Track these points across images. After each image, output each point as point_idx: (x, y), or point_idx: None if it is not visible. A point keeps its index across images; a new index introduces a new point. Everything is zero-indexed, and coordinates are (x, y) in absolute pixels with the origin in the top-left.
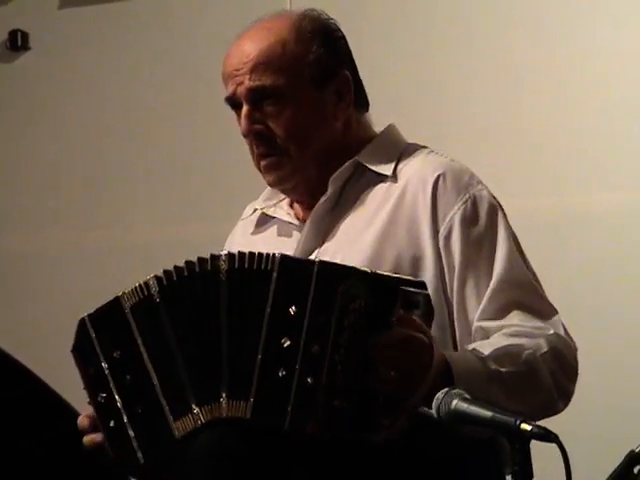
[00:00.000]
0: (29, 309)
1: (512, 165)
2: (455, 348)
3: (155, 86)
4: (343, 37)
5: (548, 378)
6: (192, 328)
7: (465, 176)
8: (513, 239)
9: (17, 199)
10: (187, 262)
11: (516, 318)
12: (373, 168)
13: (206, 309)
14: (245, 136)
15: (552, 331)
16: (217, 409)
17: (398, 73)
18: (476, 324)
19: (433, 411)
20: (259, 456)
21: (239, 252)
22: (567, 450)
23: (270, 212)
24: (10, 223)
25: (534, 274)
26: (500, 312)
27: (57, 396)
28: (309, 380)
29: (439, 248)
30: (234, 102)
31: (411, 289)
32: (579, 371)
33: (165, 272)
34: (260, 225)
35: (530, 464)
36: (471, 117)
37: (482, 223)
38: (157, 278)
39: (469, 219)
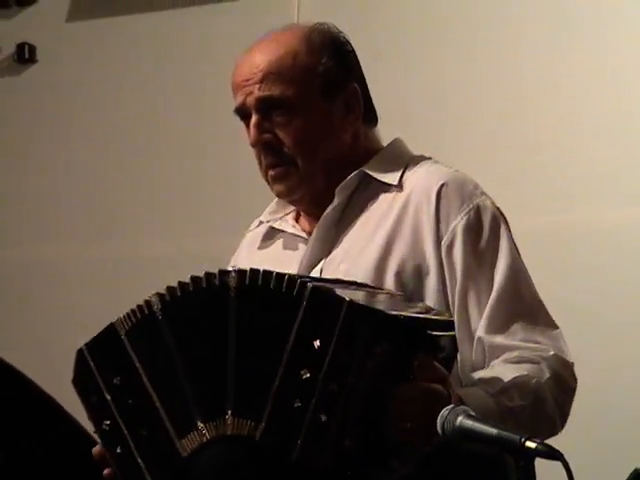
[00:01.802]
0: (34, 321)
1: (517, 181)
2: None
3: (162, 99)
4: (352, 51)
5: (553, 406)
6: (196, 343)
7: (469, 186)
8: (515, 250)
9: (22, 211)
10: (193, 277)
11: (519, 333)
12: (379, 178)
13: (212, 324)
14: (253, 146)
15: (552, 352)
16: (222, 426)
17: (402, 86)
18: (478, 335)
19: (438, 428)
20: (265, 473)
21: (251, 269)
22: (572, 468)
23: (276, 225)
24: (14, 235)
25: (533, 286)
26: (502, 325)
27: (52, 400)
28: (322, 417)
29: (442, 257)
30: (243, 112)
31: (437, 333)
32: (585, 388)
33: (168, 288)
34: (266, 239)
35: None
36: (475, 131)
37: (485, 233)
38: (159, 295)
39: (472, 229)
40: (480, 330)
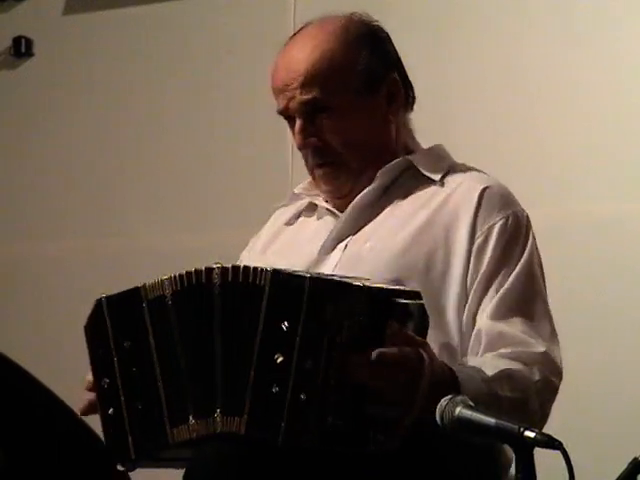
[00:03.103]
0: (32, 317)
1: (515, 174)
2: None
3: (160, 93)
4: (387, 37)
5: (537, 408)
6: (193, 340)
7: (510, 195)
8: (538, 262)
9: (19, 206)
10: (187, 272)
11: (518, 325)
12: (423, 171)
13: (203, 323)
14: (300, 149)
15: (543, 350)
16: (212, 424)
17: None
18: (477, 326)
19: (437, 418)
20: (257, 470)
21: (232, 266)
22: (571, 457)
23: (312, 199)
24: (11, 231)
25: (545, 295)
26: (504, 314)
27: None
28: (302, 396)
29: (471, 252)
30: (286, 115)
31: (405, 301)
32: (582, 379)
33: (177, 276)
34: (295, 217)
35: (534, 471)
36: (475, 125)
37: (517, 241)
38: (170, 280)
39: (507, 234)
40: (482, 319)
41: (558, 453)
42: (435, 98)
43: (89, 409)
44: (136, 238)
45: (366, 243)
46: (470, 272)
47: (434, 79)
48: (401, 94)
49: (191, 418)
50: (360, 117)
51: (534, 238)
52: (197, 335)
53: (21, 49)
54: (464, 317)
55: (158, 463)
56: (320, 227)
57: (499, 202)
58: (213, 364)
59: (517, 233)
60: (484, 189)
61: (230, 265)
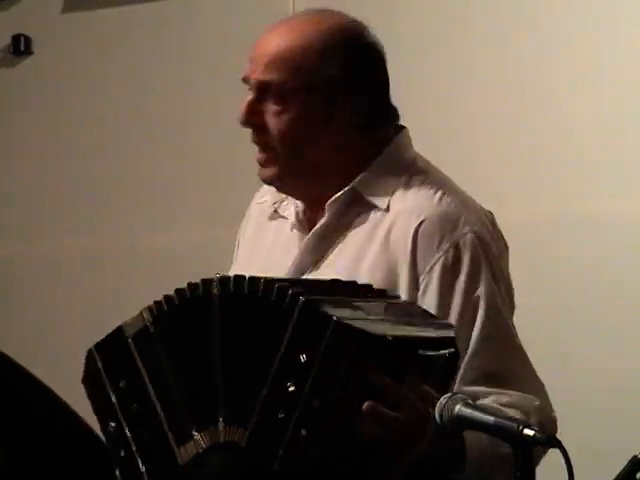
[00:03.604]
0: (28, 316)
1: (513, 172)
2: None
3: (159, 91)
4: (377, 57)
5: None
6: (186, 354)
7: (450, 220)
8: (496, 290)
9: (19, 205)
10: (177, 290)
11: (499, 396)
12: (368, 198)
13: (199, 333)
14: (241, 123)
15: (538, 402)
16: (215, 433)
17: (402, 81)
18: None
19: (436, 416)
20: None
21: (235, 276)
22: (570, 455)
23: (281, 210)
24: (12, 230)
25: (515, 334)
26: (481, 379)
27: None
28: (303, 432)
29: (417, 299)
30: (246, 84)
31: (430, 353)
32: (583, 376)
33: (156, 303)
34: (273, 216)
35: (533, 470)
36: (473, 124)
37: (462, 277)
38: (149, 309)
39: (448, 272)
40: (459, 383)
41: (557, 451)
42: (430, 95)
43: None
44: (134, 238)
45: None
46: None
47: (431, 76)
48: (360, 114)
49: (195, 433)
50: (306, 119)
51: (487, 261)
52: (192, 349)
53: (20, 47)
54: None
55: None
56: (292, 241)
57: (436, 236)
58: (212, 375)
59: (462, 268)
60: (419, 224)
61: (232, 275)
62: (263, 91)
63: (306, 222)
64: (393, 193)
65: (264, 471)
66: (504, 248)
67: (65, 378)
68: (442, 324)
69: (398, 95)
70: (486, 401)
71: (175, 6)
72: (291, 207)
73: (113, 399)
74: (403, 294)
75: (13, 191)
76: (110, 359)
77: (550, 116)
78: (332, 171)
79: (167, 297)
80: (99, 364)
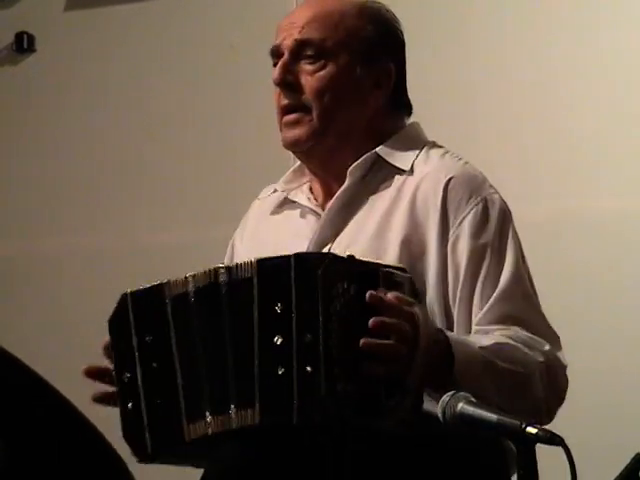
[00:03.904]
0: (27, 314)
1: (514, 169)
2: None
3: (161, 90)
4: (402, 39)
5: (540, 390)
6: (209, 338)
7: (478, 179)
8: (520, 249)
9: (20, 203)
10: (205, 271)
11: (513, 319)
12: (391, 161)
13: (215, 321)
14: (276, 84)
15: (548, 347)
16: (227, 420)
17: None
18: (474, 327)
19: (439, 413)
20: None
21: (236, 264)
22: (572, 453)
23: (291, 196)
24: (13, 228)
25: (534, 290)
26: (500, 321)
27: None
28: (308, 369)
29: (447, 251)
30: (277, 53)
31: (392, 270)
32: (583, 375)
33: (199, 274)
34: (280, 206)
35: (536, 467)
36: (472, 121)
37: (492, 229)
38: (194, 278)
39: (479, 224)
40: (477, 323)
41: (560, 449)
42: (437, 93)
43: (102, 398)
44: (135, 237)
45: (346, 250)
46: (450, 275)
47: (437, 76)
48: (389, 85)
49: (208, 414)
50: (342, 77)
51: (512, 221)
52: (212, 333)
53: (23, 45)
54: (454, 323)
55: (174, 459)
56: (302, 226)
57: (466, 191)
58: (225, 361)
59: (491, 223)
60: (448, 180)
61: (235, 263)
62: (299, 51)
63: (322, 200)
64: (417, 157)
65: (286, 434)
66: None
67: (65, 377)
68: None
69: None
70: (495, 334)
71: (177, 4)
72: (301, 194)
73: (136, 351)
74: (432, 247)
75: (14, 190)
76: (143, 312)
77: (547, 115)
78: (359, 138)
79: (214, 270)
80: (130, 313)
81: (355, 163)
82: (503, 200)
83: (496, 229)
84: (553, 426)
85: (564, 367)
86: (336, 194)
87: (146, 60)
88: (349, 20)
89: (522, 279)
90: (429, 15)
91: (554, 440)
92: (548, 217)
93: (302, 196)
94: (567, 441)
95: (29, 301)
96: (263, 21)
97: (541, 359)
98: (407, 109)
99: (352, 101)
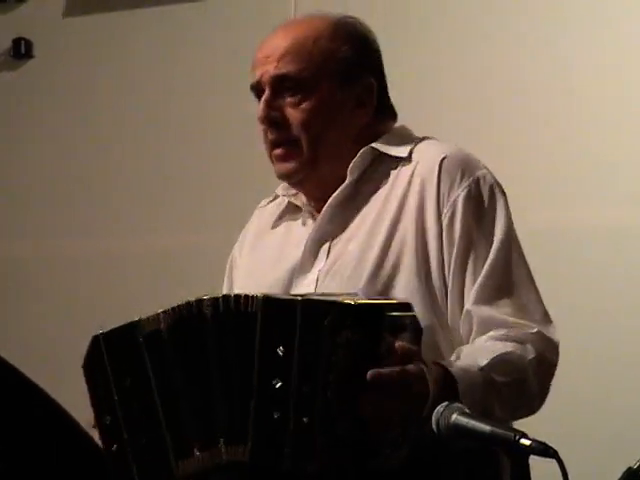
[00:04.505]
0: (26, 317)
1: (510, 178)
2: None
3: (158, 95)
4: (378, 50)
5: (535, 386)
6: (190, 373)
7: (470, 158)
8: (510, 223)
9: (17, 206)
10: (179, 305)
11: (506, 307)
12: (389, 152)
13: (198, 355)
14: (261, 122)
15: (536, 329)
16: (217, 454)
17: (401, 80)
18: (467, 307)
19: (433, 424)
20: None
21: (223, 295)
22: (566, 465)
23: (293, 199)
24: (9, 230)
25: (525, 262)
26: (491, 297)
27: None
28: (304, 420)
29: (442, 229)
30: (258, 89)
31: (396, 313)
32: (580, 386)
33: (171, 309)
34: (280, 219)
35: (529, 478)
36: (468, 128)
37: (485, 206)
38: (166, 313)
39: (473, 201)
40: (469, 302)
41: (553, 461)
42: (426, 100)
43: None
44: (133, 239)
45: (349, 245)
46: (445, 252)
47: (425, 77)
48: (372, 101)
49: (196, 450)
50: (325, 104)
51: (504, 197)
52: (194, 367)
53: (21, 50)
54: (448, 301)
55: None
56: (303, 234)
57: (459, 170)
58: (212, 395)
59: (483, 200)
60: (442, 160)
61: (220, 295)
62: (279, 85)
63: (320, 202)
64: (414, 146)
65: (276, 477)
66: None
67: (64, 378)
68: (399, 300)
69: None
70: (488, 345)
71: (176, 11)
72: (302, 197)
73: (114, 394)
74: (430, 225)
75: (11, 192)
76: (118, 353)
77: (545, 120)
78: (350, 155)
79: (177, 307)
80: (105, 355)
81: (352, 162)
82: (494, 178)
83: (488, 206)
84: (546, 438)
85: (554, 345)
86: (336, 191)
87: (144, 66)
88: (324, 44)
89: (510, 252)
90: (428, 15)
91: (547, 452)
92: (543, 225)
93: (303, 198)
94: (560, 453)
95: (29, 302)
96: (262, 26)
97: (532, 355)
98: (392, 113)
99: (339, 126)
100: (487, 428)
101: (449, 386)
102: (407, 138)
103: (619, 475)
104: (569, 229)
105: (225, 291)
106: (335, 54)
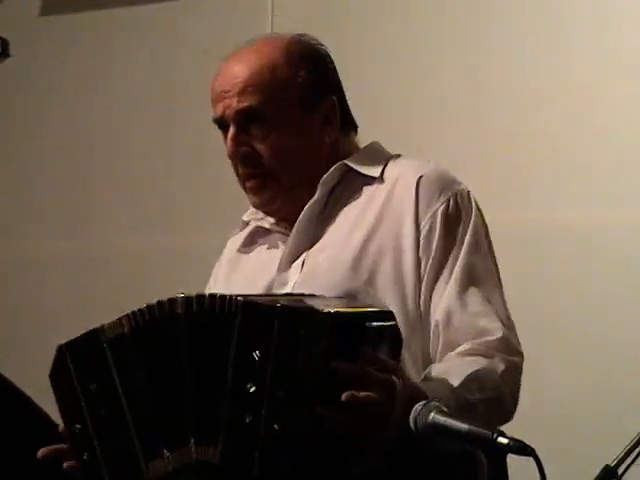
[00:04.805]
0: (5, 319)
1: (492, 179)
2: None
3: (136, 94)
4: (332, 63)
5: (509, 399)
6: (159, 373)
7: (448, 176)
8: (486, 238)
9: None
10: (147, 306)
11: (472, 309)
12: (361, 170)
13: (169, 355)
14: (230, 158)
15: (500, 334)
16: (187, 454)
17: (378, 84)
18: (435, 317)
19: (411, 423)
20: None
21: (197, 295)
22: (543, 463)
23: (261, 223)
24: None
25: (497, 273)
26: (458, 300)
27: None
28: (275, 426)
29: (419, 242)
30: (221, 123)
31: (376, 324)
32: (557, 386)
33: (134, 312)
34: (247, 242)
35: (507, 477)
36: (453, 130)
37: (461, 222)
38: (129, 317)
39: (451, 216)
40: (438, 310)
41: (530, 459)
42: (411, 105)
43: (49, 454)
44: (107, 239)
45: (321, 256)
46: (422, 262)
47: (409, 85)
48: (337, 118)
49: (165, 451)
50: (292, 131)
51: (479, 212)
52: (164, 368)
53: None
54: (421, 305)
55: None
56: (277, 253)
57: (437, 187)
58: (183, 395)
59: (460, 214)
60: (419, 178)
61: (195, 294)
62: (244, 120)
63: (291, 220)
64: (385, 165)
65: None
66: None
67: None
68: (382, 308)
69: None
70: (457, 362)
71: (152, 11)
72: (269, 220)
73: (82, 401)
74: (408, 242)
75: None
76: (82, 360)
77: (524, 121)
78: (323, 168)
79: (147, 307)
80: (70, 363)
81: (324, 177)
82: (471, 194)
83: (465, 220)
84: (523, 436)
85: (517, 349)
86: (307, 205)
87: (121, 64)
88: (280, 72)
89: (480, 255)
90: (428, 15)
91: (525, 450)
92: (525, 226)
93: (271, 220)
94: (538, 452)
95: (7, 303)
96: (237, 26)
97: (502, 368)
98: (353, 126)
99: (309, 150)
100: (465, 426)
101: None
102: (379, 156)
103: (597, 473)
104: (542, 229)
105: None
106: (293, 81)
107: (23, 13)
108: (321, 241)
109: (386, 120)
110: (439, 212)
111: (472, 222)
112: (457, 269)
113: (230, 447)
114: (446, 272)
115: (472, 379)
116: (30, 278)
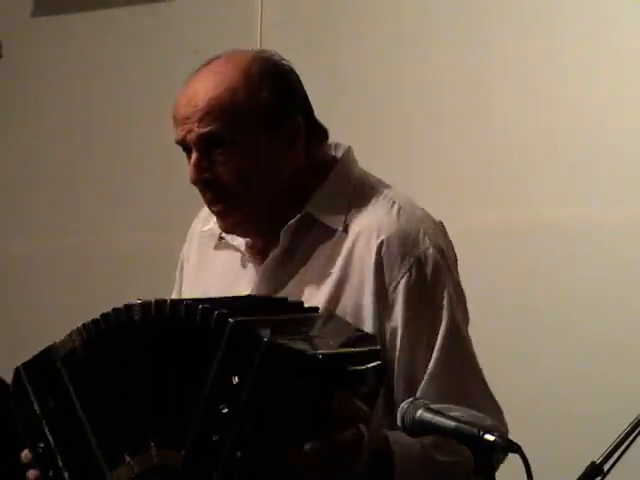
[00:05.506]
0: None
1: (482, 177)
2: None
3: (129, 94)
4: (296, 78)
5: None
6: (114, 379)
7: (410, 237)
8: (458, 303)
9: None
10: (103, 314)
11: (454, 411)
12: (323, 220)
13: (123, 362)
14: (194, 184)
15: (489, 422)
16: (148, 457)
17: (362, 85)
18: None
19: (398, 421)
20: None
21: (156, 300)
22: (529, 460)
23: (229, 238)
24: None
25: (474, 355)
26: (439, 398)
27: None
28: (238, 454)
29: (380, 315)
30: (183, 146)
31: (359, 368)
32: (543, 383)
33: (85, 325)
34: (219, 246)
35: (493, 474)
36: (441, 127)
37: (426, 290)
38: (79, 331)
39: (413, 288)
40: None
41: (517, 456)
42: (398, 103)
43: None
44: (100, 236)
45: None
46: (387, 338)
47: (395, 86)
48: (302, 138)
49: (127, 457)
50: (255, 155)
51: (447, 272)
52: (121, 377)
53: None
54: (395, 388)
55: None
56: (244, 276)
57: (399, 253)
58: (141, 400)
59: (426, 283)
60: (381, 243)
61: (153, 300)
62: (205, 145)
63: (259, 252)
64: (348, 212)
65: None
66: (455, 257)
67: None
68: (368, 336)
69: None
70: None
71: (143, 11)
72: (240, 239)
73: (41, 419)
74: (368, 312)
75: None
76: (39, 379)
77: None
78: (288, 199)
79: (95, 320)
80: (27, 383)
81: (287, 225)
82: (439, 250)
83: (430, 290)
84: (510, 434)
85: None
86: (270, 254)
87: (113, 65)
88: (241, 94)
89: (458, 349)
90: (427, 13)
91: (511, 447)
92: (514, 225)
93: (241, 240)
94: (524, 448)
95: (4, 302)
96: (228, 26)
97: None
98: (323, 133)
99: (272, 173)
100: (451, 423)
101: (384, 457)
102: (343, 192)
103: (583, 469)
104: (542, 228)
105: (175, 293)
106: (255, 103)
107: (15, 14)
108: (287, 288)
109: (386, 120)
110: (400, 285)
111: (439, 290)
112: (434, 361)
113: (193, 457)
114: (420, 362)
115: (443, 440)
116: (25, 277)
